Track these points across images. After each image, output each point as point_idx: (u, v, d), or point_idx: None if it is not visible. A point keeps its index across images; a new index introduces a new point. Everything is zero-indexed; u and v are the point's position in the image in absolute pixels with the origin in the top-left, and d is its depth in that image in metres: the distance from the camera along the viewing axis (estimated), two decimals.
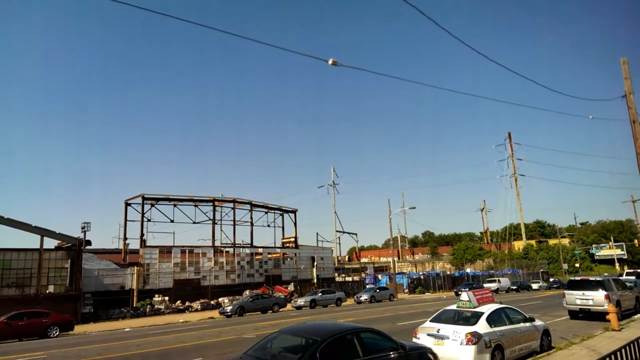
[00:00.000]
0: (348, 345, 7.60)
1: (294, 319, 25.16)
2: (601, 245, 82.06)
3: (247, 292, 43.26)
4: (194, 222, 48.42)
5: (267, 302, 35.02)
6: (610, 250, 77.95)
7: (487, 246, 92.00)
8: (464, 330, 10.46)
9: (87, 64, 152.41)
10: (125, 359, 14.12)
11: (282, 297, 40.96)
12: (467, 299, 11.72)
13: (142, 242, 43.11)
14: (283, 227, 57.35)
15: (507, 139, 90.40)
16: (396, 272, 56.63)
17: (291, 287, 49.04)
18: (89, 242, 36.79)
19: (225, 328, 23.01)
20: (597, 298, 18.67)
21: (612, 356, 6.50)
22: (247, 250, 50.47)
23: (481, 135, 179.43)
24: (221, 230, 50.53)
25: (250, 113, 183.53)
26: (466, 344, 10.08)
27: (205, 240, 49.64)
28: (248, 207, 52.61)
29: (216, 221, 49.06)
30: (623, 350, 6.89)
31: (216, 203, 49.57)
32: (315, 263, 56.25)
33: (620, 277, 26.32)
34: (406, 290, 57.45)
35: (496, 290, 47.90)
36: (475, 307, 11.52)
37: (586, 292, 19.15)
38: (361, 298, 41.39)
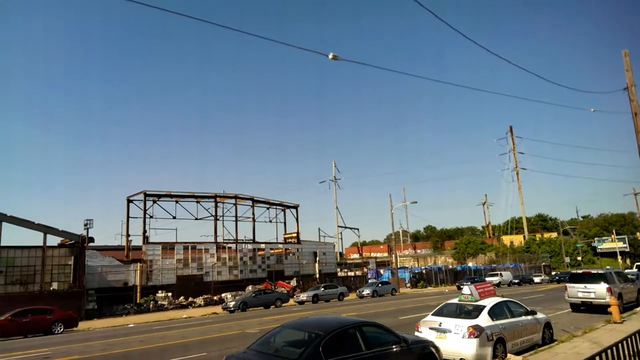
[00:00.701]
0: (350, 339, 7.63)
1: (297, 314, 25.26)
2: (603, 238, 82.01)
3: (250, 287, 43.42)
4: (196, 219, 48.57)
5: (269, 298, 35.15)
6: (612, 244, 77.87)
7: (489, 240, 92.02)
8: (466, 323, 10.50)
9: (87, 59, 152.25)
10: (129, 355, 14.20)
11: (285, 292, 41.09)
12: (469, 293, 11.75)
13: (145, 239, 43.25)
14: (285, 223, 57.50)
15: (508, 132, 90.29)
16: (398, 266, 56.70)
17: (294, 283, 49.19)
18: (91, 239, 36.93)
19: (228, 323, 23.12)
20: (599, 291, 18.69)
21: (614, 348, 6.52)
22: (250, 246, 50.58)
23: (482, 129, 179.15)
24: (223, 226, 50.75)
25: (250, 108, 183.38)
26: (468, 337, 10.12)
27: (207, 237, 49.83)
28: (250, 202, 52.69)
29: (218, 217, 49.19)
30: (624, 343, 6.92)
31: (218, 199, 49.66)
32: (317, 258, 56.37)
33: (629, 271, 26.23)
34: (408, 285, 57.55)
35: (498, 284, 47.95)
36: (477, 301, 11.55)
37: (588, 285, 19.17)
38: (363, 293, 41.48)
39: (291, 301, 38.42)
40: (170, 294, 39.86)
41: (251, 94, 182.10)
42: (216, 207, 49.16)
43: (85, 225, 37.94)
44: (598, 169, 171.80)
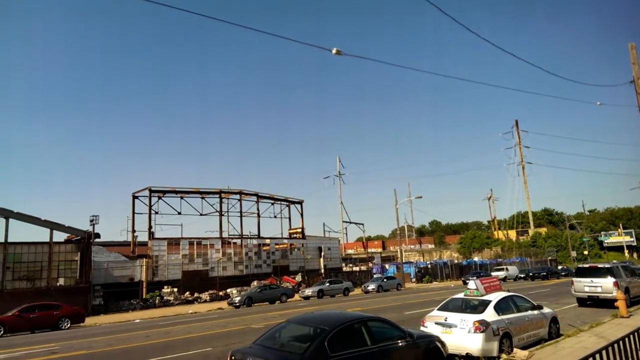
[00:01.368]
0: (356, 334, 7.63)
1: (302, 309, 25.33)
2: (610, 232, 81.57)
3: (255, 282, 43.55)
4: (201, 214, 48.68)
5: (275, 293, 35.25)
6: (619, 237, 77.48)
7: (494, 234, 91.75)
8: (471, 318, 10.46)
9: (88, 56, 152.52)
10: (135, 350, 14.29)
11: (290, 287, 41.19)
12: (475, 288, 11.71)
13: (151, 235, 43.43)
14: (290, 218, 57.52)
15: (514, 126, 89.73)
16: (403, 261, 56.68)
17: (299, 278, 49.29)
18: (97, 235, 37.14)
19: (233, 318, 23.21)
20: (605, 285, 18.58)
21: (620, 342, 6.47)
22: (255, 242, 50.72)
23: (487, 124, 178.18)
24: (228, 221, 50.82)
25: (252, 104, 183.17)
26: (474, 332, 10.09)
27: (212, 232, 49.95)
28: (254, 198, 52.75)
29: (223, 213, 49.29)
30: (631, 337, 6.86)
31: (222, 195, 49.75)
32: (322, 253, 56.45)
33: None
34: (413, 280, 57.54)
35: (504, 279, 47.83)
36: (482, 296, 11.51)
37: (595, 279, 19.06)
38: (369, 287, 41.50)
39: (296, 296, 38.52)
40: (176, 290, 40.06)
41: (251, 90, 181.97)
42: (221, 202, 49.27)
43: (91, 221, 38.10)
44: (605, 163, 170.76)
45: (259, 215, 52.67)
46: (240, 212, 50.78)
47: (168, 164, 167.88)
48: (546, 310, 12.63)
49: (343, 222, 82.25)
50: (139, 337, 17.51)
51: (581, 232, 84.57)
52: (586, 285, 19.36)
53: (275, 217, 55.97)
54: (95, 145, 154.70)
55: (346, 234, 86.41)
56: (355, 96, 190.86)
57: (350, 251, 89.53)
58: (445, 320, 10.83)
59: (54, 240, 34.54)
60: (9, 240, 32.42)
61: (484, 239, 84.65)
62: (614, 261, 22.58)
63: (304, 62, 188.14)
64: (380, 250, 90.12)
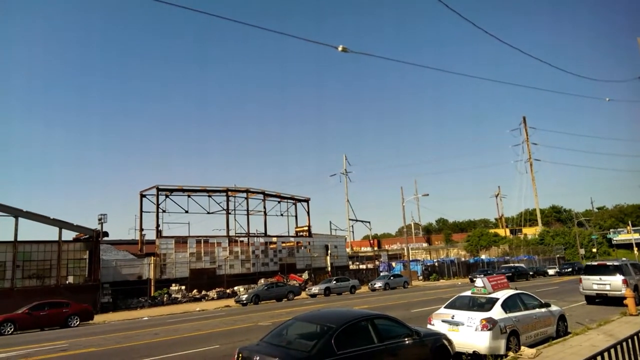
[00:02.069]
0: (362, 332, 7.65)
1: (309, 307, 25.37)
2: (619, 229, 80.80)
3: (262, 280, 43.72)
4: (208, 213, 48.87)
5: (281, 291, 35.35)
6: (628, 235, 76.65)
7: (502, 232, 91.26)
8: (478, 316, 10.44)
9: (90, 55, 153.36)
10: (144, 347, 14.39)
11: (297, 285, 41.27)
12: (482, 285, 11.67)
13: (158, 233, 43.70)
14: (296, 216, 57.63)
15: (521, 123, 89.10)
16: (410, 259, 56.59)
17: (305, 276, 49.39)
18: (106, 234, 37.43)
19: (241, 316, 23.32)
20: (614, 283, 18.43)
21: (629, 341, 6.43)
22: (261, 240, 50.86)
23: (494, 121, 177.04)
24: (235, 220, 51.02)
25: (254, 102, 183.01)
26: (481, 330, 10.06)
27: (219, 230, 50.16)
28: (261, 196, 52.90)
29: (230, 211, 49.49)
30: None
31: (229, 193, 49.95)
32: (329, 251, 56.49)
33: None
34: (420, 278, 57.43)
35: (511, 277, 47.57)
36: (490, 293, 11.47)
37: (603, 277, 18.91)
38: (375, 285, 41.51)
39: (303, 294, 38.60)
40: (183, 287, 40.31)
41: (253, 88, 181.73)
42: (227, 201, 49.47)
43: (100, 220, 38.42)
44: (613, 160, 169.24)
45: (265, 214, 52.81)
46: (247, 210, 50.94)
47: (172, 163, 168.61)
48: (554, 308, 12.57)
49: (349, 220, 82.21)
50: (147, 335, 17.65)
51: (590, 230, 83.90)
52: (595, 283, 19.22)
53: (281, 215, 56.13)
54: (100, 143, 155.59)
55: (353, 231, 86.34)
56: (358, 93, 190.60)
57: (360, 248, 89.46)
58: (453, 318, 10.81)
59: (63, 238, 34.88)
60: (19, 239, 32.78)
61: (491, 236, 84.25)
62: (623, 259, 22.36)
63: (307, 59, 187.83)
64: (410, 245, 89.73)
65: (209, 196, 48.96)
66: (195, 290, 40.84)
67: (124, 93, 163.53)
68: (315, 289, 37.79)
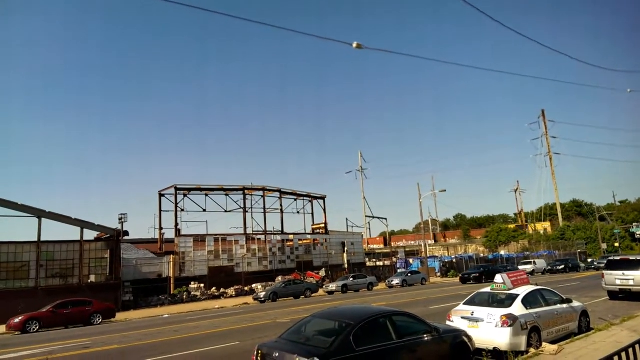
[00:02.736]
0: (381, 329, 7.65)
1: (327, 304, 25.44)
2: None
3: (280, 278, 43.96)
4: (226, 211, 49.30)
5: (299, 288, 35.50)
6: None
7: (521, 227, 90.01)
8: (498, 312, 10.34)
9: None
10: (165, 344, 14.62)
11: (314, 282, 41.40)
12: (502, 281, 11.55)
13: (177, 232, 44.28)
14: (312, 214, 57.76)
15: (540, 116, 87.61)
16: (428, 255, 56.23)
17: (323, 273, 49.49)
18: (126, 233, 38.04)
19: (259, 313, 23.50)
20: (637, 278, 18.05)
21: None
22: (278, 237, 51.12)
23: (512, 115, 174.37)
24: (252, 218, 51.38)
25: (270, 97, 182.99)
26: (501, 326, 9.98)
27: (237, 229, 50.59)
28: (277, 194, 53.14)
29: (247, 209, 49.87)
30: None
31: (246, 191, 50.31)
32: (345, 248, 56.50)
33: None
34: (438, 274, 57.03)
35: (531, 272, 46.90)
36: (510, 290, 11.35)
37: (626, 272, 18.52)
38: (393, 282, 41.36)
39: (320, 291, 38.70)
40: (202, 285, 40.79)
41: (267, 86, 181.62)
42: (244, 199, 49.85)
43: (120, 219, 39.10)
44: (634, 152, 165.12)
45: (282, 211, 53.05)
46: (264, 208, 51.25)
47: (189, 162, 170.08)
48: (576, 303, 12.38)
49: (366, 217, 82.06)
50: (167, 332, 17.92)
51: (612, 224, 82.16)
52: (617, 278, 18.83)
53: (298, 212, 56.32)
54: (114, 143, 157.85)
55: (369, 228, 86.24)
56: (373, 89, 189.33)
57: (373, 246, 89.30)
58: (472, 315, 10.73)
59: (85, 238, 35.57)
60: (42, 239, 33.55)
61: (510, 232, 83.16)
62: None
63: (319, 57, 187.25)
64: (411, 242, 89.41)
65: (226, 195, 49.38)
66: (214, 288, 41.28)
67: (141, 93, 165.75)
68: (332, 286, 37.84)
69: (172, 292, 38.96)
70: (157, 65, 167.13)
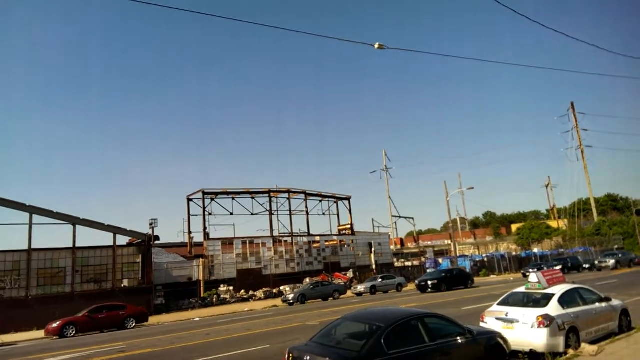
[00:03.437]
0: (413, 331, 7.52)
1: (355, 306, 25.30)
2: None
3: (307, 279, 44.04)
4: (252, 214, 49.78)
5: (327, 290, 35.45)
6: None
7: (554, 224, 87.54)
8: (534, 313, 10.04)
9: (104, 52, 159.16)
10: (197, 347, 14.80)
11: (342, 284, 41.24)
12: (537, 281, 11.22)
13: (206, 235, 44.94)
14: (338, 215, 57.67)
15: (570, 109, 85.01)
16: (457, 255, 55.29)
17: (350, 274, 49.34)
18: (157, 238, 38.81)
19: (288, 316, 23.56)
20: None
21: None
22: (305, 239, 51.25)
23: (539, 108, 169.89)
24: (278, 220, 51.63)
25: (289, 99, 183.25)
26: (538, 327, 9.68)
27: (263, 231, 50.99)
28: (302, 196, 53.32)
29: (272, 212, 50.19)
30: None
31: (272, 194, 50.65)
32: (372, 249, 56.17)
33: None
34: None
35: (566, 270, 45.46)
36: (545, 289, 11.01)
37: None
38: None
39: (348, 293, 38.54)
40: (231, 288, 41.26)
41: (287, 86, 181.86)
42: (270, 202, 50.19)
43: (151, 224, 39.95)
44: None
45: (307, 213, 53.18)
46: (290, 210, 51.48)
47: (214, 165, 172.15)
48: (615, 302, 11.92)
49: (392, 216, 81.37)
50: (199, 335, 18.15)
51: None
52: None
53: (323, 214, 56.34)
54: (140, 146, 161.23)
55: (396, 228, 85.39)
56: (394, 87, 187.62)
57: (404, 245, 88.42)
58: (507, 316, 10.45)
59: (117, 243, 36.51)
60: (77, 245, 34.59)
61: (543, 229, 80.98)
62: None
63: (341, 57, 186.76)
64: (438, 242, 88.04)
65: (252, 198, 49.85)
66: (242, 291, 41.69)
67: (161, 94, 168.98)
68: (361, 288, 37.62)
69: (202, 295, 39.55)
70: (169, 63, 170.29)
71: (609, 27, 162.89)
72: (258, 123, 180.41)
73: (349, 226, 56.76)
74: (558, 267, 47.10)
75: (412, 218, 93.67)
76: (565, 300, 10.60)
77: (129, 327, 25.61)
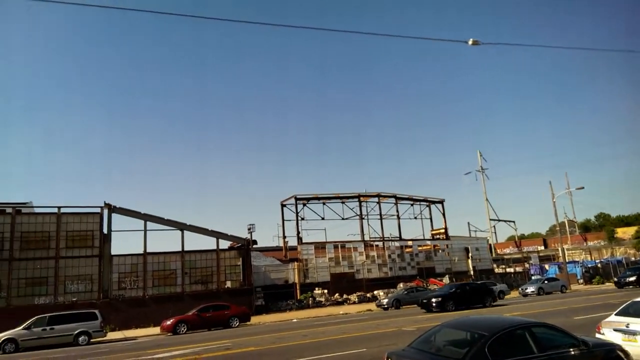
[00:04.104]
0: (519, 341, 7.11)
1: (451, 313, 24.43)
2: None
3: (401, 284, 43.43)
4: (343, 219, 50.35)
5: (422, 295, 34.54)
6: None
7: None
8: None
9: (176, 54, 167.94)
10: (296, 348, 15.33)
11: None
12: None
13: (299, 240, 46.39)
14: (431, 219, 56.19)
15: None
16: (566, 260, 50.93)
17: (446, 280, 47.68)
18: (255, 242, 40.93)
19: (383, 320, 23.44)
20: None
21: None
22: (397, 244, 50.63)
23: None
24: (368, 224, 51.67)
25: (375, 102, 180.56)
26: None
27: (354, 235, 51.36)
28: (393, 200, 52.78)
29: (363, 216, 50.34)
30: None
31: (361, 198, 50.84)
32: (469, 254, 53.81)
33: None
34: (580, 281, 51.42)
35: None
36: None
37: None
38: (527, 290, 38.45)
39: None
40: (326, 291, 42.08)
41: (374, 90, 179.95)
42: (360, 206, 50.42)
43: (249, 229, 42.27)
44: None
45: (398, 217, 52.52)
46: (380, 214, 51.25)
47: (301, 170, 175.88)
48: None
49: (490, 220, 77.16)
50: (297, 336, 18.79)
51: None
52: None
53: (415, 218, 55.21)
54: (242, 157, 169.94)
55: (495, 232, 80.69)
56: (488, 86, 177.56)
57: (504, 250, 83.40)
58: (627, 327, 9.46)
59: (220, 247, 39.14)
60: (185, 249, 37.66)
61: None
62: None
63: (426, 56, 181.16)
64: (540, 247, 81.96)
65: (342, 202, 50.43)
66: (336, 294, 42.28)
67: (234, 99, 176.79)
68: None
69: (298, 298, 40.85)
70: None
71: None
72: (337, 129, 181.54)
73: (442, 230, 55.00)
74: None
75: (513, 221, 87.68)
76: None
77: (233, 325, 27.20)
